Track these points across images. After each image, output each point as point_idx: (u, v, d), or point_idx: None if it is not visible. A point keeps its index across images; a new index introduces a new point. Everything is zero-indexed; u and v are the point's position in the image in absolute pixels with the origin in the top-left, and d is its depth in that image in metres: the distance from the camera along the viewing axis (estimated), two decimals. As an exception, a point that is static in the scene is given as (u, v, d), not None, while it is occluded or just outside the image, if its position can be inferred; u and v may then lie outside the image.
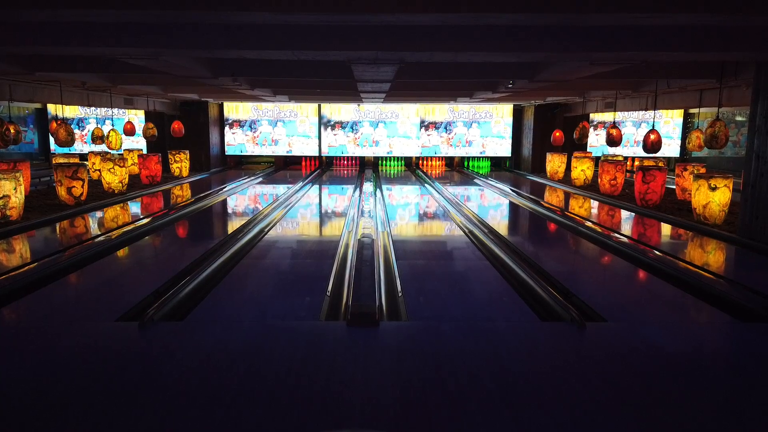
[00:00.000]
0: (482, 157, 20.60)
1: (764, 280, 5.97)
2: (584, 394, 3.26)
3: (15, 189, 8.88)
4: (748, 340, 4.19)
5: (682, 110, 17.05)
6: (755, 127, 7.55)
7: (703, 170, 11.77)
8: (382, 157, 20.59)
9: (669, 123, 17.51)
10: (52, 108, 17.70)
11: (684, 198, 11.88)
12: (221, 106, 19.72)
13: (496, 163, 20.95)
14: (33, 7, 4.40)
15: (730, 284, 5.67)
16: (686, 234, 8.69)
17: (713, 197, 9.02)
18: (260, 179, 16.79)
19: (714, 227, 8.75)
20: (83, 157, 17.52)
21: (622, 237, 8.25)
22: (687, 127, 17.12)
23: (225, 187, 14.25)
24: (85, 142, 18.63)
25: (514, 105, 19.76)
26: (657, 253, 7.09)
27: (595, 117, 19.00)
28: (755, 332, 4.35)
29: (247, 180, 16.19)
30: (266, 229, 8.84)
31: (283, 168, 20.21)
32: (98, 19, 5.33)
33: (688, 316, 5.19)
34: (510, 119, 20.15)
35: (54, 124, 13.46)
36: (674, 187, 12.65)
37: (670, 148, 17.36)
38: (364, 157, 20.59)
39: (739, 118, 15.30)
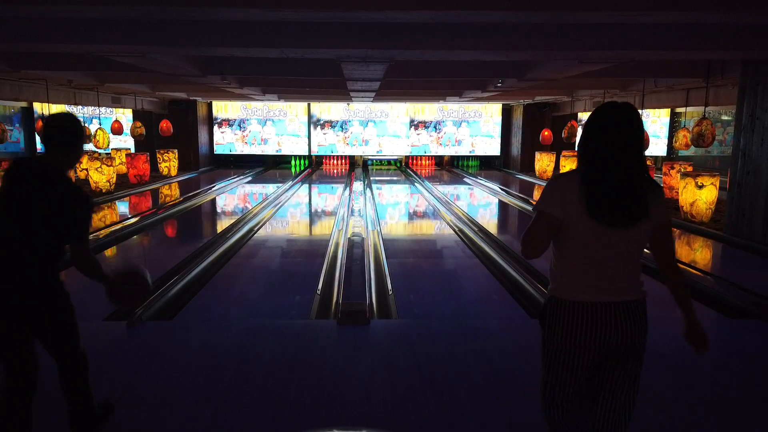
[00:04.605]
0: (472, 156, 20.64)
1: (750, 277, 6.03)
2: (574, 391, 3.27)
3: (0, 188, 8.75)
4: (735, 336, 4.22)
5: (669, 109, 17.18)
6: (741, 126, 7.63)
7: (689, 169, 11.86)
8: (371, 156, 20.57)
9: (656, 122, 17.64)
10: (38, 107, 17.42)
11: (671, 196, 11.97)
12: (210, 105, 19.59)
13: (486, 162, 20.99)
14: (16, 2, 4.33)
15: (717, 281, 5.73)
16: (673, 231, 8.76)
17: (700, 195, 9.10)
18: (249, 178, 16.71)
19: (701, 225, 8.83)
20: (70, 156, 17.29)
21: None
22: (674, 126, 17.25)
23: (214, 186, 14.17)
24: (72, 141, 18.40)
25: (503, 104, 19.81)
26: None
27: (584, 116, 19.07)
28: (741, 328, 4.39)
29: (236, 179, 16.10)
30: (256, 228, 8.80)
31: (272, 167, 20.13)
32: (84, 14, 5.26)
33: (676, 313, 5.21)
34: (499, 118, 20.21)
35: (40, 123, 13.30)
36: (661, 185, 12.73)
37: (658, 147, 17.49)
38: (353, 156, 20.56)
39: (725, 117, 15.45)
